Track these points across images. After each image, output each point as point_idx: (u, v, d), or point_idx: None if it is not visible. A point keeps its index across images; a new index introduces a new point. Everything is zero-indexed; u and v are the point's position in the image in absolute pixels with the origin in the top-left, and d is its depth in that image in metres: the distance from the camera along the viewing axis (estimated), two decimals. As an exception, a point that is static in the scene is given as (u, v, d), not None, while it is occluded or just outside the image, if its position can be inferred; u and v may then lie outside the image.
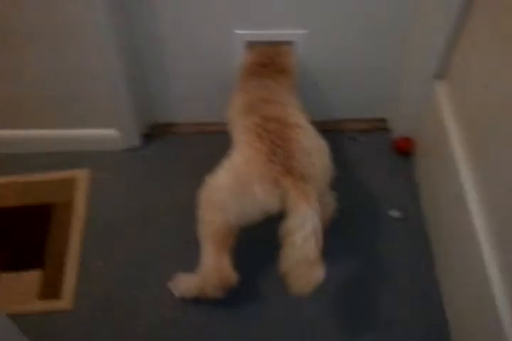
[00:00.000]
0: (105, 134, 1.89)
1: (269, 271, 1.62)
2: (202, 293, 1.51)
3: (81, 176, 1.87)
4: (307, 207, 1.23)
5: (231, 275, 1.43)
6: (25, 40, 1.58)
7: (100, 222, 1.77)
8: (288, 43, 1.65)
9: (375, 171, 1.89)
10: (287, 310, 1.60)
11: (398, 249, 1.71)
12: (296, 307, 1.60)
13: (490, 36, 1.41)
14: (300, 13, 1.60)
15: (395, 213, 1.77)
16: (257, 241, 1.60)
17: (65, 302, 1.60)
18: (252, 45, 1.64)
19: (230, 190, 1.30)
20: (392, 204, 1.80)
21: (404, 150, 1.90)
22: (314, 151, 1.32)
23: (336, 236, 1.69)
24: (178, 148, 1.94)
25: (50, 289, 1.63)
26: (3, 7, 1.48)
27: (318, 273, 1.25)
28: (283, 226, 1.23)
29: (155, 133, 1.98)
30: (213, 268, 1.43)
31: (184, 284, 1.57)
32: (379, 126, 1.98)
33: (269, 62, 1.55)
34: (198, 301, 1.56)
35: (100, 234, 1.74)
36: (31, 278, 1.64)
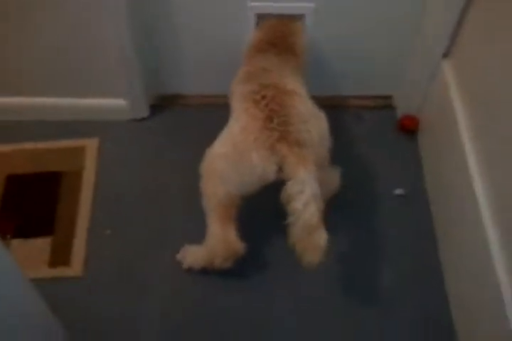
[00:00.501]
0: (114, 104, 1.90)
1: (275, 241, 1.66)
2: (209, 264, 1.54)
3: (90, 145, 1.89)
4: (304, 172, 1.25)
5: (237, 245, 1.46)
6: (38, 6, 1.58)
7: (109, 191, 1.80)
8: (299, 18, 1.65)
9: (379, 149, 1.90)
10: (289, 285, 1.63)
11: (401, 226, 1.74)
12: (298, 283, 1.62)
13: (496, 17, 1.42)
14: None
15: (398, 190, 1.79)
16: (262, 211, 1.64)
17: (74, 269, 1.64)
18: (262, 20, 1.64)
19: (227, 158, 1.32)
20: (395, 181, 1.82)
21: (409, 128, 1.91)
22: (311, 118, 1.33)
23: (339, 213, 1.70)
24: (186, 120, 1.96)
25: (60, 256, 1.66)
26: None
27: (322, 237, 1.27)
28: (283, 193, 1.25)
29: (163, 104, 1.99)
30: (219, 238, 1.45)
31: (191, 256, 1.60)
32: (384, 104, 1.99)
33: (278, 41, 1.54)
34: (206, 272, 1.59)
35: (109, 203, 1.77)
36: (41, 245, 1.68)
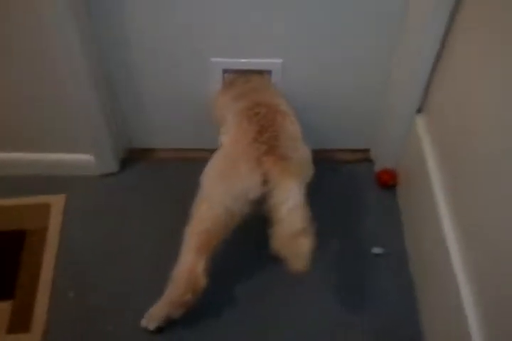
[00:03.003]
0: (81, 159, 1.85)
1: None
2: (173, 308, 1.48)
3: (56, 202, 1.83)
4: (289, 181, 1.28)
5: (201, 280, 1.41)
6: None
7: (74, 252, 1.72)
8: (266, 74, 1.63)
9: (357, 204, 1.84)
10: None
11: (379, 287, 1.66)
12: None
13: (465, 71, 1.40)
14: (276, 42, 1.59)
15: (377, 249, 1.72)
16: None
17: (34, 336, 1.54)
18: (228, 80, 1.63)
19: (218, 170, 1.38)
20: (374, 239, 1.75)
21: (387, 182, 1.86)
22: (299, 139, 1.40)
23: (315, 272, 1.66)
24: (156, 174, 1.91)
25: (20, 322, 1.57)
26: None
27: (307, 242, 1.28)
28: (268, 203, 1.27)
29: (133, 157, 1.94)
30: (187, 267, 1.41)
31: (153, 310, 1.53)
32: (362, 157, 1.95)
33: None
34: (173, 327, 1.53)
35: (73, 264, 1.69)
36: (1, 310, 1.59)
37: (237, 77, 1.61)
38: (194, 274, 1.40)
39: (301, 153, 1.40)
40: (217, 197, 1.36)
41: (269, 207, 1.28)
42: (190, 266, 1.41)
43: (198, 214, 1.39)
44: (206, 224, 1.38)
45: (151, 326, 1.53)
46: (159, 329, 1.54)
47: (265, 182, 1.30)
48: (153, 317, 1.53)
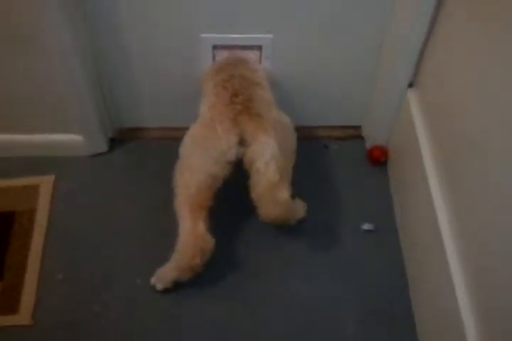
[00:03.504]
0: (70, 140, 1.82)
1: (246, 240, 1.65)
2: (181, 272, 1.50)
3: (45, 183, 1.81)
4: (265, 136, 1.34)
5: (207, 239, 1.44)
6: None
7: (63, 233, 1.70)
8: (256, 49, 1.61)
9: (347, 181, 1.83)
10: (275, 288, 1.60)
11: (368, 264, 1.65)
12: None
13: (458, 44, 1.37)
14: (266, 17, 1.56)
15: (366, 225, 1.71)
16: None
17: (23, 317, 1.53)
18: (217, 61, 1.63)
19: (196, 137, 1.42)
20: (364, 215, 1.74)
21: (378, 159, 1.84)
22: (272, 104, 1.45)
23: (304, 247, 1.67)
24: (145, 154, 1.89)
25: (8, 303, 1.56)
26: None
27: (283, 194, 1.36)
28: (244, 159, 1.35)
29: (122, 137, 1.91)
30: (189, 231, 1.44)
31: (162, 272, 1.55)
32: (353, 134, 1.93)
33: (239, 63, 1.56)
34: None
35: (63, 244, 1.68)
36: (-12, 291, 1.59)
37: (226, 63, 1.58)
38: (199, 237, 1.44)
39: (275, 115, 1.44)
40: (197, 163, 1.40)
41: (246, 161, 1.35)
42: (191, 230, 1.43)
43: (182, 182, 1.44)
44: (192, 190, 1.42)
45: (159, 287, 1.56)
46: (166, 290, 1.56)
47: (242, 142, 1.36)
48: (160, 279, 1.55)
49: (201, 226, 1.44)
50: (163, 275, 1.55)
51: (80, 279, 1.61)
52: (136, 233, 1.70)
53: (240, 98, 1.38)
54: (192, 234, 1.44)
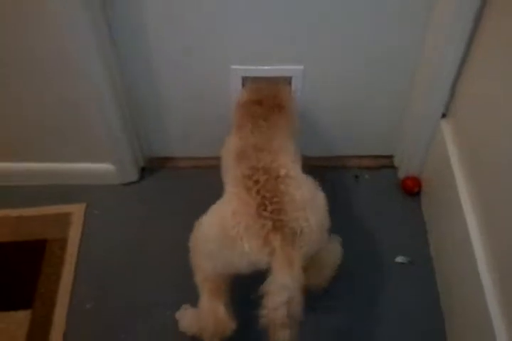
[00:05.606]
0: (101, 168, 1.84)
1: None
2: (199, 335, 1.43)
3: (77, 211, 1.82)
4: (287, 276, 1.15)
5: (227, 322, 1.35)
6: (14, 73, 1.55)
7: (94, 261, 1.70)
8: (286, 80, 1.60)
9: (380, 212, 1.80)
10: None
11: (403, 298, 1.61)
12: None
13: (493, 73, 1.35)
14: (297, 48, 1.55)
15: (400, 258, 1.68)
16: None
17: (52, 347, 1.54)
18: (248, 82, 1.58)
19: (216, 242, 1.23)
20: (399, 248, 1.71)
21: (412, 189, 1.81)
22: (307, 205, 1.22)
23: (338, 283, 1.60)
24: (176, 183, 1.89)
25: (39, 332, 1.56)
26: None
27: (286, 333, 1.20)
28: (262, 285, 1.16)
29: (153, 166, 1.93)
30: (208, 312, 1.35)
31: (187, 319, 1.50)
32: (385, 163, 1.90)
33: (264, 99, 1.47)
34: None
35: (93, 273, 1.68)
36: (20, 319, 1.58)
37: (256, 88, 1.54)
38: (220, 320, 1.35)
39: (313, 221, 1.22)
40: (216, 261, 1.27)
41: (262, 286, 1.18)
42: (210, 310, 1.35)
43: (197, 263, 1.35)
44: (206, 274, 1.33)
45: (181, 328, 1.51)
46: None
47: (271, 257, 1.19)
48: (184, 324, 1.50)
49: (221, 310, 1.33)
50: (186, 323, 1.49)
51: (108, 309, 1.60)
52: (167, 264, 1.69)
53: (269, 209, 1.18)
54: (212, 316, 1.35)
